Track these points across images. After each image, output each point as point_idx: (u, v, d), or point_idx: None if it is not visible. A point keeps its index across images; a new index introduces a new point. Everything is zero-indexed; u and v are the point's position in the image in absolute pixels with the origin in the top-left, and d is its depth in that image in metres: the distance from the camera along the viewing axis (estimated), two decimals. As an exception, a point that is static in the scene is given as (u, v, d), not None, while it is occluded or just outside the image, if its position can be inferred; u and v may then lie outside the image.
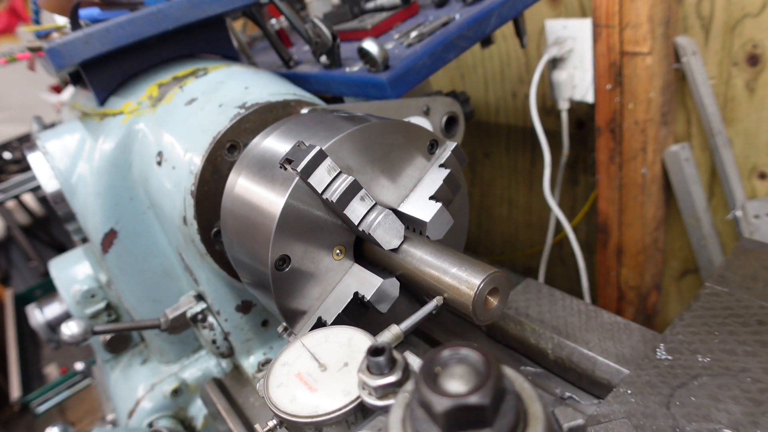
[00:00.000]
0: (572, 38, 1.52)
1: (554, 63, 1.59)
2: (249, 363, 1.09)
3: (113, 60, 1.10)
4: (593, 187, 1.85)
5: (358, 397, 0.50)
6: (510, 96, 1.97)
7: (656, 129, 1.51)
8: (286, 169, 0.67)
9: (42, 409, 2.46)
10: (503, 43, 1.87)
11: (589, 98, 1.57)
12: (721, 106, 1.47)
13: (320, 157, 0.64)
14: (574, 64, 1.55)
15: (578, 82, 1.57)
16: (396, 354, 0.44)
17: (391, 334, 0.58)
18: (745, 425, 0.64)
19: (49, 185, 1.11)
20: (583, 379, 0.89)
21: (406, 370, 0.43)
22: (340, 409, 0.49)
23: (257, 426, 0.54)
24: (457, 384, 0.32)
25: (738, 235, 1.53)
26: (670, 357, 0.74)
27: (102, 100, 1.14)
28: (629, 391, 0.71)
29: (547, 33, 1.59)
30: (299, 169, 0.63)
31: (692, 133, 1.55)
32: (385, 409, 0.43)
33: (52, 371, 2.69)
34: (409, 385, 0.37)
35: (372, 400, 0.43)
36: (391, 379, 0.42)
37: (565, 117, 1.65)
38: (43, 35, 1.31)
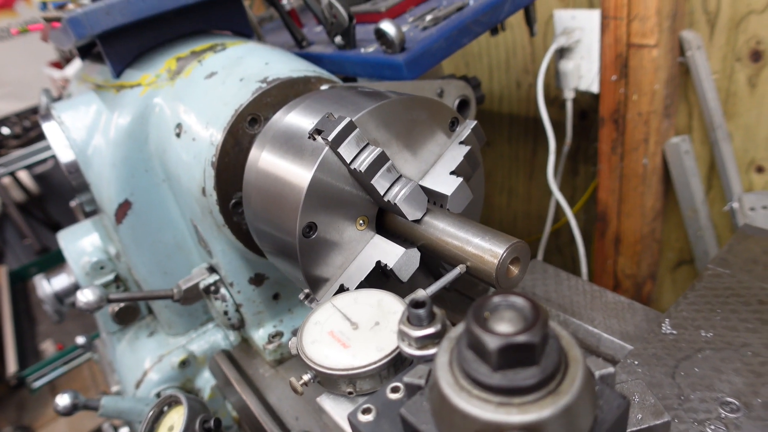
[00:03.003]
0: (580, 29, 1.55)
1: (561, 53, 1.62)
2: (259, 335, 1.12)
3: (131, 32, 1.11)
4: (593, 178, 1.88)
5: (392, 352, 0.53)
6: (514, 85, 2.00)
7: (659, 121, 1.54)
8: (315, 139, 0.69)
9: (38, 384, 2.47)
10: (510, 32, 1.89)
11: (594, 88, 1.60)
12: (722, 101, 1.50)
13: (350, 128, 0.66)
14: (581, 54, 1.58)
15: (584, 73, 1.60)
16: (435, 308, 0.46)
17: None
18: (746, 394, 0.67)
19: (64, 155, 1.12)
20: (588, 354, 0.92)
21: (444, 323, 0.46)
22: (375, 363, 0.52)
23: (292, 379, 0.56)
24: (506, 326, 0.34)
25: (734, 227, 1.57)
26: (674, 332, 0.78)
27: (118, 73, 1.15)
28: (636, 362, 0.74)
29: (555, 23, 1.61)
30: (330, 138, 0.65)
31: (693, 126, 1.59)
32: (424, 359, 0.45)
33: (48, 347, 2.69)
34: (453, 333, 0.39)
35: (411, 350, 0.46)
36: (431, 330, 0.45)
37: (569, 106, 1.68)
38: (58, 6, 1.31)
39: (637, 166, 1.61)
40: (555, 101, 1.84)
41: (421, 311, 0.45)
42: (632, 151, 1.60)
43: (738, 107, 1.49)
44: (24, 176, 3.70)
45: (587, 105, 1.79)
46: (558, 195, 1.72)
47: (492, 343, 0.33)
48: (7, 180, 3.48)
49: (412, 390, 0.43)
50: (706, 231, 1.64)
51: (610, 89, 1.56)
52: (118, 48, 1.12)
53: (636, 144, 1.59)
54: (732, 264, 0.89)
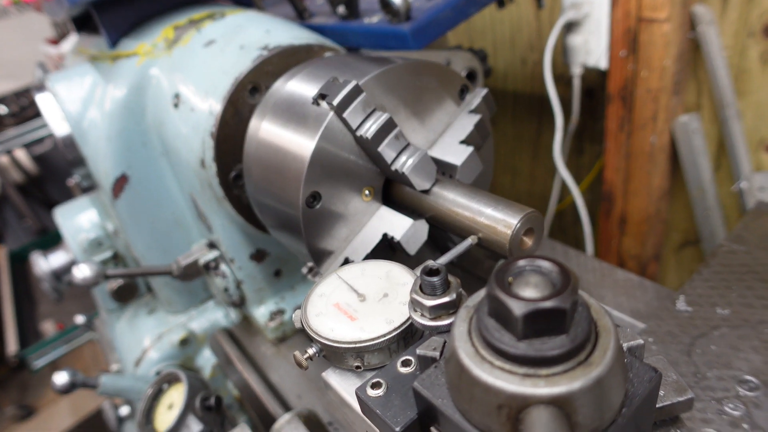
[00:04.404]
0: (589, 2, 1.50)
1: (569, 27, 1.57)
2: (260, 313, 1.09)
3: (126, 1, 1.07)
4: (598, 158, 1.85)
5: (402, 325, 0.50)
6: (519, 63, 1.95)
7: (668, 98, 1.51)
8: (318, 104, 0.66)
9: (39, 364, 2.46)
10: (515, 8, 1.85)
11: (603, 64, 1.56)
12: (734, 78, 1.46)
13: (356, 92, 0.63)
14: (590, 29, 1.53)
15: (592, 48, 1.55)
16: (450, 276, 0.44)
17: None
18: (765, 372, 0.65)
19: (59, 128, 1.08)
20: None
21: (459, 293, 0.43)
22: (384, 335, 0.49)
23: (296, 353, 0.54)
24: (532, 291, 0.32)
25: (742, 207, 1.54)
26: (689, 309, 0.75)
27: (113, 43, 1.11)
28: (651, 340, 0.72)
29: (563, -4, 1.56)
30: (335, 103, 0.62)
31: (702, 104, 1.55)
32: (437, 330, 0.43)
33: (48, 328, 2.68)
34: (471, 301, 0.37)
35: (424, 321, 0.43)
36: (446, 299, 0.42)
37: (577, 83, 1.64)
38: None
39: (645, 144, 1.58)
40: (561, 78, 1.79)
41: (436, 279, 0.42)
42: (640, 129, 1.57)
43: (749, 84, 1.45)
44: (23, 157, 3.66)
45: (593, 83, 1.75)
46: (564, 172, 1.69)
47: (517, 309, 0.30)
48: (6, 161, 3.45)
49: (425, 363, 0.41)
50: (713, 211, 1.61)
51: (619, 65, 1.52)
52: (114, 16, 1.08)
53: (644, 121, 1.55)
54: (747, 241, 0.87)
